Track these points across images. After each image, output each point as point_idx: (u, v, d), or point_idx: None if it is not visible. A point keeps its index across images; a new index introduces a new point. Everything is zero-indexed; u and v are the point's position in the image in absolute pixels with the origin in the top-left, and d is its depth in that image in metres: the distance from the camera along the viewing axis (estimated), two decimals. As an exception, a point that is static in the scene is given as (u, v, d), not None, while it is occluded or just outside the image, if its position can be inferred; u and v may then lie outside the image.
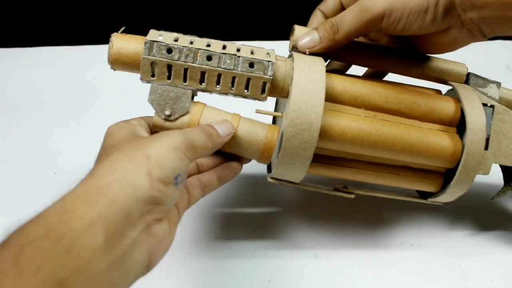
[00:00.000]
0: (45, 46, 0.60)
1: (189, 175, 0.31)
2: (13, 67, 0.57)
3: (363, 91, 0.32)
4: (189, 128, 0.29)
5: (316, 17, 0.35)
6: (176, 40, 0.28)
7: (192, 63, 0.29)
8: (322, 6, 0.35)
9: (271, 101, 0.34)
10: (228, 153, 0.32)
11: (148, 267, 0.24)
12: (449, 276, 0.38)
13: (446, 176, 0.34)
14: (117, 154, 0.23)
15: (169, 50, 0.28)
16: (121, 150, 0.24)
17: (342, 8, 0.34)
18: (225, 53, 0.29)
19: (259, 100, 0.31)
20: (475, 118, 0.32)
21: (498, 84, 0.35)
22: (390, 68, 0.35)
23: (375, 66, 0.36)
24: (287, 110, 0.29)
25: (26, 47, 0.60)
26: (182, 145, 0.25)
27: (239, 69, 0.29)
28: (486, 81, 0.35)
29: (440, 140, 0.32)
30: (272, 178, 0.32)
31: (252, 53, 0.29)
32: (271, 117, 0.38)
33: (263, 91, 0.30)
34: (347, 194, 0.34)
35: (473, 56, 0.46)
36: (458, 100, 0.34)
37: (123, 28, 0.30)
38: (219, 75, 0.29)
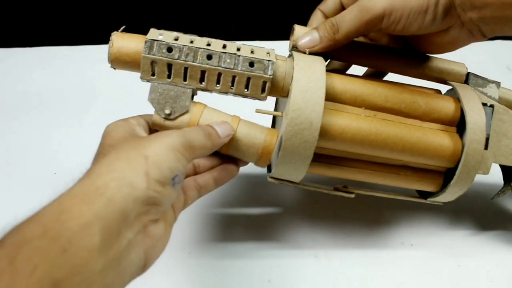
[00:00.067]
0: (45, 46, 0.60)
1: (186, 176, 0.31)
2: (13, 67, 0.57)
3: (363, 91, 0.32)
4: (189, 127, 0.29)
5: (316, 17, 0.35)
6: (176, 39, 0.28)
7: (192, 62, 0.29)
8: (322, 6, 0.35)
9: (271, 102, 0.34)
10: (226, 155, 0.31)
11: (143, 267, 0.24)
12: (449, 276, 0.38)
13: (446, 175, 0.34)
14: (115, 154, 0.23)
15: (170, 49, 0.28)
16: (119, 150, 0.24)
17: (342, 8, 0.34)
18: (225, 52, 0.29)
19: (259, 99, 0.31)
20: (475, 117, 0.32)
21: (498, 84, 0.35)
22: (390, 68, 0.35)
23: (375, 66, 0.36)
24: (287, 109, 0.29)
25: (26, 47, 0.60)
26: (180, 145, 0.25)
27: (239, 68, 0.29)
28: (485, 81, 0.35)
29: (440, 139, 0.32)
30: (272, 177, 0.32)
31: (252, 52, 0.29)
32: (271, 119, 0.38)
33: (263, 90, 0.30)
34: (347, 193, 0.34)
35: (473, 56, 0.46)
36: (458, 99, 0.34)
37: (123, 27, 0.30)
38: (219, 74, 0.29)
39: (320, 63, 0.30)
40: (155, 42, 0.28)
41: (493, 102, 0.34)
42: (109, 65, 0.30)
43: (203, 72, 0.29)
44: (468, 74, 0.35)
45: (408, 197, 0.36)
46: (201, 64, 0.29)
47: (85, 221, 0.20)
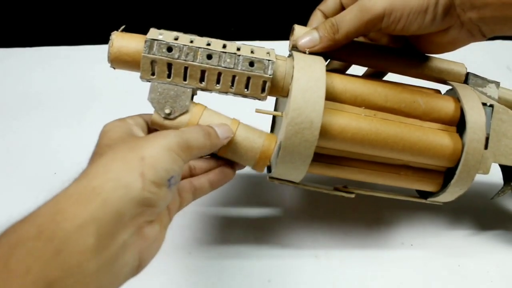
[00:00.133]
0: (45, 46, 0.60)
1: (182, 178, 0.31)
2: (13, 67, 0.57)
3: (363, 90, 0.32)
4: (188, 127, 0.29)
5: (316, 17, 0.35)
6: (176, 39, 0.28)
7: (192, 61, 0.29)
8: (322, 6, 0.35)
9: (271, 102, 0.34)
10: (222, 158, 0.31)
11: (138, 268, 0.24)
12: (449, 276, 0.38)
13: (446, 175, 0.34)
14: (111, 154, 0.23)
15: (169, 49, 0.28)
16: (115, 150, 0.24)
17: (342, 8, 0.34)
18: (225, 52, 0.29)
19: (259, 99, 0.31)
20: (475, 117, 0.32)
21: (497, 84, 0.35)
22: (390, 68, 0.35)
23: (375, 66, 0.36)
24: (287, 109, 0.29)
25: (26, 47, 0.60)
26: (177, 146, 0.25)
27: (239, 68, 0.29)
28: (485, 81, 0.35)
29: (440, 139, 0.32)
30: (272, 177, 0.32)
31: (252, 52, 0.29)
32: (270, 119, 0.38)
33: (263, 90, 0.30)
34: (347, 193, 0.34)
35: (473, 56, 0.46)
36: (457, 99, 0.34)
37: (123, 27, 0.30)
38: (219, 74, 0.29)
39: (320, 63, 0.30)
40: (155, 41, 0.28)
41: (492, 102, 0.34)
42: (109, 65, 0.30)
43: (203, 72, 0.29)
44: (467, 74, 0.35)
45: (408, 197, 0.36)
46: (201, 63, 0.29)
47: (80, 222, 0.20)
